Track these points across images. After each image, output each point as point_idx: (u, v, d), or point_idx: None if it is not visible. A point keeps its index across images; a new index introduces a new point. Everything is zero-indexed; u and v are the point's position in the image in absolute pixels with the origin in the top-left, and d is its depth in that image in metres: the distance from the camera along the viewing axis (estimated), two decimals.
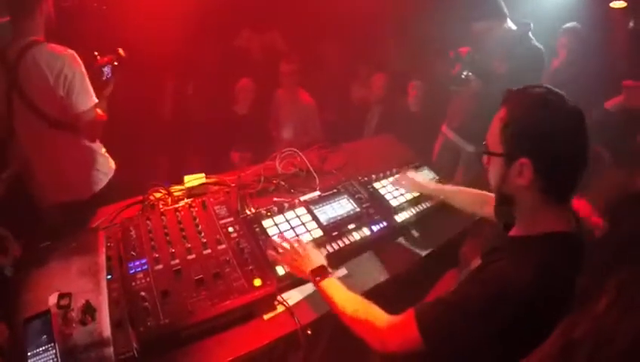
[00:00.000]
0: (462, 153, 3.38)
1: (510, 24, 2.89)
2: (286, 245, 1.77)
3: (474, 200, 1.99)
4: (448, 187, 2.22)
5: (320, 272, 1.60)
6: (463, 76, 2.77)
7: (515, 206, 1.26)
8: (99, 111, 2.29)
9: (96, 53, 2.32)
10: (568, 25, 3.66)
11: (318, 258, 1.70)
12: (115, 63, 2.36)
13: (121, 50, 2.39)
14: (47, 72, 2.09)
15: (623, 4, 3.76)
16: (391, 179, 2.42)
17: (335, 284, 1.56)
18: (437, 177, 2.58)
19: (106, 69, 2.33)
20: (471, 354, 1.22)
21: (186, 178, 2.25)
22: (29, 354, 1.31)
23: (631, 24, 3.73)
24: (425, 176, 2.52)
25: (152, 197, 2.15)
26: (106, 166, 2.57)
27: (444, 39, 3.06)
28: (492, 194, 1.85)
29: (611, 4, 3.80)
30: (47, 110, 2.18)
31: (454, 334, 1.17)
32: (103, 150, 2.57)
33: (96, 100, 2.24)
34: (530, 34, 2.83)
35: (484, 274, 1.21)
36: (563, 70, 3.63)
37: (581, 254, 1.23)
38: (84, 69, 2.19)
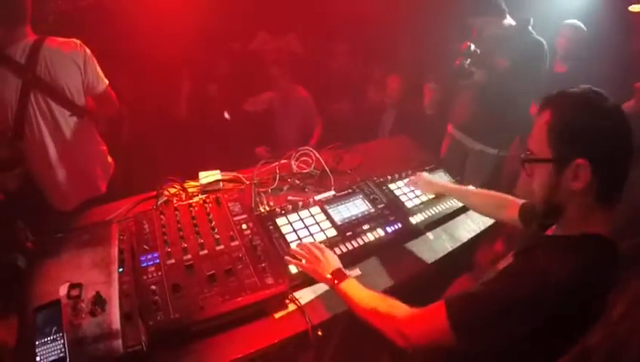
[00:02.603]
0: (469, 152, 3.34)
1: (509, 20, 2.87)
2: (303, 251, 1.74)
3: (491, 203, 1.95)
4: (464, 188, 2.17)
5: (338, 275, 1.58)
6: (466, 66, 2.74)
7: (562, 214, 1.21)
8: None
9: None
10: (568, 21, 3.61)
11: (334, 261, 1.67)
12: None
13: None
14: (77, 59, 2.21)
15: None
16: (406, 180, 2.39)
17: (354, 284, 1.53)
18: (452, 180, 2.53)
19: None
20: (500, 353, 1.18)
21: (201, 174, 2.25)
22: (37, 342, 1.31)
23: None
24: (439, 179, 2.49)
25: (166, 193, 2.14)
26: (107, 161, 2.65)
27: (453, 38, 3.02)
28: (510, 197, 1.84)
29: (630, 8, 3.72)
30: (75, 97, 2.27)
31: (489, 327, 1.13)
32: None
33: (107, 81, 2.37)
34: (530, 28, 2.82)
35: (522, 267, 1.19)
36: (567, 73, 3.58)
37: (617, 261, 1.18)
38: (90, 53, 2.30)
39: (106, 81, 2.38)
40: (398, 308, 1.35)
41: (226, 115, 3.52)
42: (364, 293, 1.48)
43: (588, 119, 1.10)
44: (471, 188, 2.16)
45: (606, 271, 1.16)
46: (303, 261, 1.70)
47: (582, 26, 3.52)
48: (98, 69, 2.33)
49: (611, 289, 1.19)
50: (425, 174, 2.34)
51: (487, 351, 1.20)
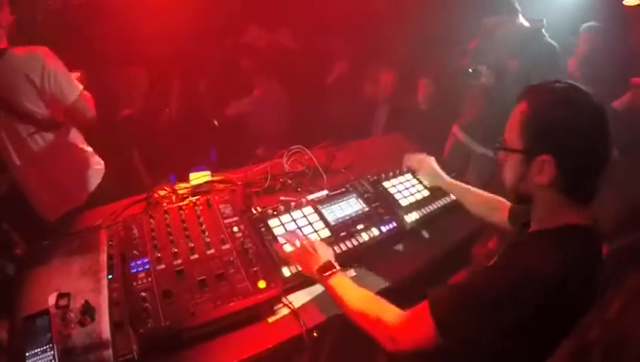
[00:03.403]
0: (472, 155, 3.32)
1: (522, 20, 2.82)
2: (292, 239, 1.73)
3: (485, 203, 1.95)
4: (462, 185, 2.15)
5: (327, 269, 1.54)
6: (470, 70, 2.70)
7: (532, 205, 1.24)
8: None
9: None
10: (589, 24, 3.57)
11: (326, 254, 1.64)
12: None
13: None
14: (31, 73, 2.06)
15: (637, 2, 3.66)
16: (400, 177, 2.36)
17: (344, 281, 1.50)
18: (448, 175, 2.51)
19: None
20: (489, 349, 1.16)
21: (192, 175, 2.21)
22: (27, 354, 1.28)
23: None
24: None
25: (156, 195, 2.11)
26: (96, 165, 2.58)
27: (455, 35, 2.99)
28: (505, 201, 1.83)
29: (625, 2, 3.71)
30: (37, 111, 2.16)
31: (474, 324, 1.12)
32: (90, 149, 2.56)
33: (81, 86, 2.24)
34: (543, 30, 2.76)
35: (504, 262, 1.19)
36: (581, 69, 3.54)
37: (601, 248, 1.20)
38: (59, 60, 2.17)
39: (78, 89, 2.23)
40: (387, 312, 1.33)
41: (215, 123, 3.49)
42: (353, 293, 1.45)
43: (561, 116, 1.10)
44: (468, 186, 2.14)
45: (589, 259, 1.17)
46: (293, 251, 1.70)
47: (603, 28, 3.49)
48: (65, 79, 2.18)
49: (598, 278, 1.19)
50: (433, 160, 2.31)
51: (475, 347, 1.17)
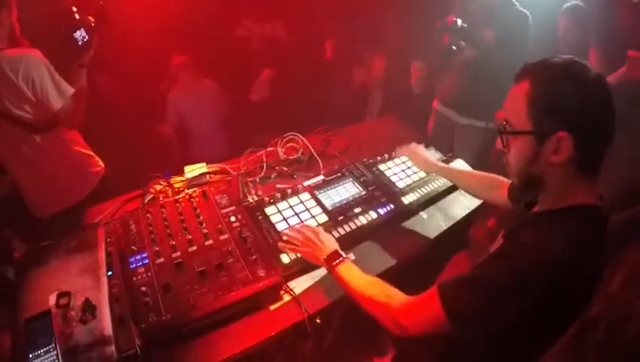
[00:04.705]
0: (456, 127, 3.31)
1: None
2: (296, 235, 1.71)
3: (481, 183, 1.93)
4: (455, 168, 2.15)
5: (335, 258, 1.55)
6: (454, 47, 2.69)
7: (542, 186, 1.19)
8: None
9: (74, 9, 2.18)
10: (570, 3, 3.51)
11: (331, 242, 1.65)
12: (92, 23, 2.20)
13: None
14: (13, 76, 2.00)
15: None
16: (396, 159, 2.36)
17: (351, 268, 1.51)
18: (443, 157, 2.50)
19: (79, 34, 2.16)
20: (501, 334, 1.17)
21: (187, 168, 2.20)
22: (30, 356, 1.28)
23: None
24: (432, 156, 2.45)
25: (152, 190, 2.10)
26: (94, 165, 2.54)
27: (443, 14, 2.95)
28: (501, 178, 1.82)
29: None
30: (22, 115, 2.11)
31: (484, 312, 1.12)
32: (90, 151, 2.53)
33: (72, 90, 2.17)
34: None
35: (511, 249, 1.16)
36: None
37: (606, 227, 1.16)
38: (49, 64, 2.11)
39: (67, 96, 2.16)
40: (394, 298, 1.33)
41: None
42: (361, 279, 1.46)
43: (570, 90, 1.07)
44: (462, 168, 2.13)
45: (599, 240, 1.14)
46: (298, 246, 1.68)
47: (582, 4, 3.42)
48: (53, 84, 2.11)
49: (605, 258, 1.18)
50: (421, 148, 2.30)
51: (486, 334, 1.19)
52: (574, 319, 1.21)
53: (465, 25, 2.66)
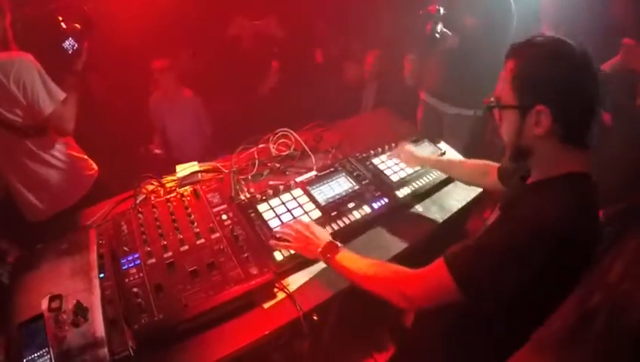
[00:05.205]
0: (444, 117, 3.30)
1: None
2: (287, 230, 1.70)
3: (474, 171, 1.94)
4: (447, 160, 2.15)
5: (330, 249, 1.55)
6: (437, 34, 2.68)
7: (532, 157, 1.25)
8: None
9: (60, 19, 2.16)
10: None
11: (324, 235, 1.64)
12: (79, 30, 2.18)
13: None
14: (4, 79, 1.96)
15: None
16: (389, 153, 2.34)
17: (349, 255, 1.51)
18: (438, 149, 2.49)
19: (68, 43, 2.14)
20: (506, 303, 1.20)
21: (178, 167, 2.18)
22: (24, 361, 1.26)
23: None
24: (425, 149, 2.44)
25: (144, 190, 2.08)
26: (87, 169, 2.52)
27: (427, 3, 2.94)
28: (491, 163, 1.82)
29: None
30: (14, 119, 2.07)
31: (494, 277, 1.14)
32: (79, 153, 2.49)
33: (63, 95, 2.13)
34: None
35: (514, 214, 1.20)
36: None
37: (598, 195, 1.22)
38: (41, 68, 2.06)
39: (57, 101, 2.10)
40: (399, 272, 1.36)
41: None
42: (361, 262, 1.47)
43: (549, 67, 1.14)
44: (452, 158, 2.13)
45: (591, 205, 1.20)
46: (291, 242, 1.67)
47: None
48: (44, 89, 2.06)
49: (599, 225, 1.23)
50: (408, 146, 2.29)
51: (495, 303, 1.22)
52: (571, 287, 1.25)
53: (446, 12, 2.66)
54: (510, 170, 1.61)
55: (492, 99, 1.29)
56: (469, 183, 2.07)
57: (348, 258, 1.50)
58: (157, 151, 3.94)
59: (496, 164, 1.79)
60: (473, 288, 1.17)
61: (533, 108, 1.15)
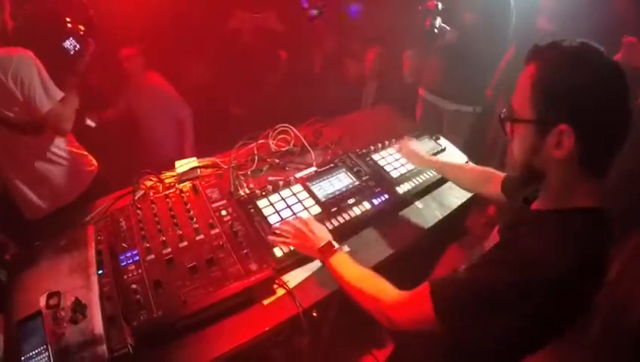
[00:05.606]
0: (444, 114, 3.29)
1: None
2: (287, 227, 1.69)
3: (475, 178, 1.89)
4: (446, 162, 2.12)
5: (326, 250, 1.54)
6: (435, 30, 2.66)
7: (543, 181, 1.10)
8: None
9: (68, 20, 2.16)
10: None
11: (323, 233, 1.62)
12: (82, 31, 2.17)
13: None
14: (2, 75, 1.94)
15: None
16: (389, 149, 2.33)
17: (344, 260, 1.50)
18: (439, 146, 2.48)
19: (69, 43, 2.13)
20: (487, 341, 1.08)
21: (177, 163, 2.17)
22: (22, 358, 1.26)
23: None
24: (425, 145, 2.43)
25: (143, 186, 2.07)
26: (87, 165, 2.50)
27: None
28: (493, 171, 1.79)
29: None
30: (13, 116, 2.06)
31: (474, 317, 1.04)
32: (79, 150, 2.47)
33: (61, 94, 2.12)
34: None
35: (509, 253, 1.07)
36: (553, 31, 3.44)
37: (612, 233, 1.06)
38: (41, 65, 2.04)
39: (55, 99, 2.09)
40: (386, 292, 1.31)
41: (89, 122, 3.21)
42: (353, 272, 1.45)
43: (579, 79, 0.96)
44: (454, 161, 2.11)
45: (602, 249, 1.05)
46: (289, 239, 1.66)
47: None
48: (42, 86, 2.04)
49: (608, 265, 1.08)
50: (410, 143, 2.27)
51: (474, 339, 1.10)
52: (572, 324, 1.11)
53: (444, 7, 2.65)
54: (516, 185, 1.51)
55: (504, 110, 1.14)
56: (465, 189, 2.05)
57: (342, 263, 1.49)
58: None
59: (501, 174, 1.70)
60: (449, 323, 1.08)
61: (556, 127, 0.97)
